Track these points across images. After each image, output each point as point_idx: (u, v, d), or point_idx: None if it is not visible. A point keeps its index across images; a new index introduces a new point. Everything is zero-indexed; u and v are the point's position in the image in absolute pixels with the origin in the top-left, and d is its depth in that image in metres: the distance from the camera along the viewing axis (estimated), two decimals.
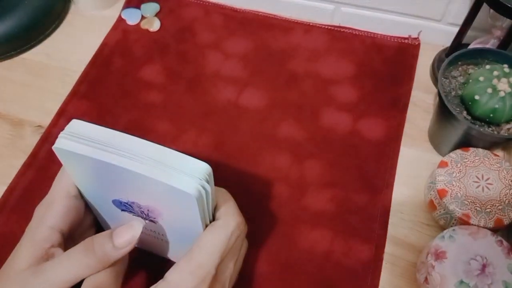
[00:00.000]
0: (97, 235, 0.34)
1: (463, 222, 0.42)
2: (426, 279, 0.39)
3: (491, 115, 0.43)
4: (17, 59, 0.63)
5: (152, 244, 0.40)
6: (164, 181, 0.29)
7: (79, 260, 0.32)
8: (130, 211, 0.35)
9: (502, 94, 0.43)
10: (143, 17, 0.66)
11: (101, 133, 0.31)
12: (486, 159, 0.45)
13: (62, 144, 0.31)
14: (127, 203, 0.34)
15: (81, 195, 0.36)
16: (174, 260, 0.42)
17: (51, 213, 0.34)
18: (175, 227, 0.35)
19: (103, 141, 0.30)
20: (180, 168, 0.30)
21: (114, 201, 0.35)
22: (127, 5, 0.67)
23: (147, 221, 0.36)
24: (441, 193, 0.43)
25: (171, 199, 0.31)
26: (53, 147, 0.31)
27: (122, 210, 0.35)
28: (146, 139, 0.31)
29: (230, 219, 0.34)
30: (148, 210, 0.34)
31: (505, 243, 0.38)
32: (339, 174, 0.50)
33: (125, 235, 0.33)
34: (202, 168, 0.30)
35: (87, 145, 0.30)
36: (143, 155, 0.30)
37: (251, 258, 0.45)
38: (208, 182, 0.31)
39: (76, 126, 0.32)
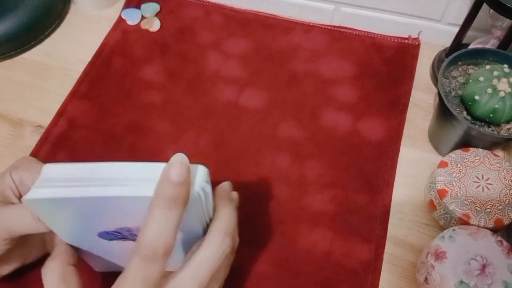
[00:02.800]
0: None
1: (463, 222, 0.42)
2: (426, 279, 0.39)
3: (491, 115, 0.43)
4: (17, 59, 0.63)
5: None
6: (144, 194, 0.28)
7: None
8: (120, 238, 0.34)
9: (502, 94, 0.43)
10: (143, 17, 0.66)
11: (77, 170, 0.30)
12: (486, 159, 0.45)
13: (34, 194, 0.29)
14: (114, 232, 0.33)
15: None
16: (172, 269, 0.41)
17: None
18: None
19: (81, 177, 0.29)
20: None
21: (100, 234, 0.34)
22: (127, 5, 0.67)
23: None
24: (441, 193, 0.43)
25: None
26: (23, 199, 0.29)
27: (111, 239, 0.34)
28: (124, 161, 0.30)
29: (219, 238, 0.32)
30: (139, 231, 0.33)
31: (505, 243, 0.38)
32: (339, 174, 0.50)
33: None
34: (200, 171, 0.30)
35: (62, 186, 0.29)
36: (127, 178, 0.29)
37: (251, 258, 0.45)
38: (208, 182, 0.30)
39: (48, 171, 0.30)
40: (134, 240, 0.34)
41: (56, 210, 0.31)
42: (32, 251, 0.41)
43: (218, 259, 0.32)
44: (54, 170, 0.30)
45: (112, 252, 0.37)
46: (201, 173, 0.30)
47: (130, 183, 0.29)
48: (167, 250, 0.28)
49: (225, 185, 0.38)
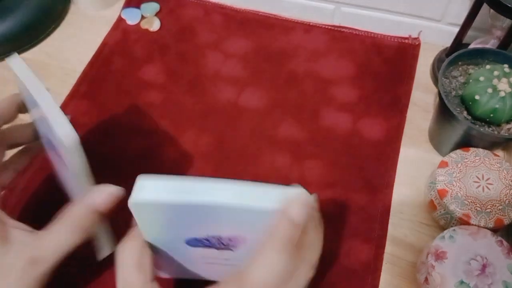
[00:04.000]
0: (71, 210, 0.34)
1: (463, 222, 0.42)
2: (426, 279, 0.39)
3: (491, 115, 0.43)
4: None
5: (212, 271, 0.39)
6: (263, 206, 0.29)
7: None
8: (206, 246, 0.34)
9: (502, 94, 0.43)
10: (143, 17, 0.66)
11: (171, 181, 0.30)
12: (487, 159, 0.45)
13: (139, 198, 0.30)
14: (204, 239, 0.33)
15: None
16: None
17: None
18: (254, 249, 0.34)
19: (178, 186, 0.30)
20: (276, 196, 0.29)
21: (188, 241, 0.34)
22: (127, 5, 0.67)
23: (222, 251, 0.35)
24: (441, 193, 0.43)
25: (262, 223, 0.30)
26: (129, 203, 0.30)
27: (195, 246, 0.34)
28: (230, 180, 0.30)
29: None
30: (229, 240, 0.33)
31: (505, 243, 0.38)
32: (339, 174, 0.50)
33: (103, 195, 0.34)
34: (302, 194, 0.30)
35: (165, 192, 0.30)
36: (227, 189, 0.29)
37: None
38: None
39: (142, 181, 0.31)
40: (217, 248, 0.34)
41: (156, 214, 0.31)
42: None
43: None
44: (148, 180, 0.31)
45: (188, 258, 0.37)
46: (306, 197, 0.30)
47: (230, 193, 0.29)
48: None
49: (311, 202, 0.33)
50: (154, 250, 0.35)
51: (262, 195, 0.29)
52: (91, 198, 0.34)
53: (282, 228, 0.28)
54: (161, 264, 0.38)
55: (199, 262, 0.38)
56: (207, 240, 0.33)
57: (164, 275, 0.41)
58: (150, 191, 0.30)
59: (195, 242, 0.34)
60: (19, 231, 0.34)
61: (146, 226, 0.33)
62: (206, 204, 0.29)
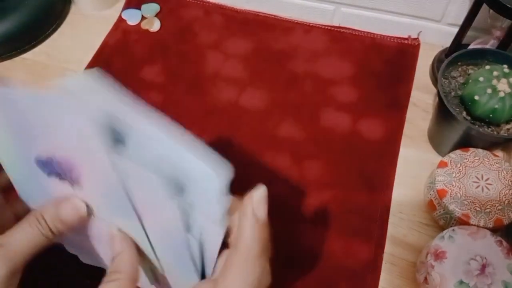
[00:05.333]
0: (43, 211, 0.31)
1: (463, 222, 0.42)
2: (425, 279, 0.39)
3: (491, 115, 0.44)
4: (17, 59, 0.63)
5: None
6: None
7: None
8: (55, 173, 0.30)
9: (501, 94, 0.43)
10: (143, 18, 0.66)
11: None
12: (486, 159, 0.45)
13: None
14: (47, 161, 0.29)
15: None
16: None
17: None
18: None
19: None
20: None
21: (37, 162, 0.30)
22: (127, 6, 0.67)
23: (74, 187, 0.30)
24: (441, 193, 0.43)
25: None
26: None
27: (46, 173, 0.30)
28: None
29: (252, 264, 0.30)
30: (63, 164, 0.29)
31: (504, 243, 0.38)
32: (339, 174, 0.50)
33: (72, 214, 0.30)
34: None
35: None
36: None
37: None
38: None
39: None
40: (70, 182, 0.30)
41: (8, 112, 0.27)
42: None
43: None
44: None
45: (47, 191, 0.32)
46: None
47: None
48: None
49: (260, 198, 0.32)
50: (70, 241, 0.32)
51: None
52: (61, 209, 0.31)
53: (258, 234, 0.28)
54: (80, 254, 0.36)
55: (106, 251, 0.33)
56: (50, 163, 0.29)
57: (84, 261, 0.37)
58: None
59: (42, 165, 0.30)
60: None
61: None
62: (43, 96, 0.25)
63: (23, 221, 0.31)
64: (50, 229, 0.31)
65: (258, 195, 0.29)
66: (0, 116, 0.28)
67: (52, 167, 0.29)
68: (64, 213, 0.30)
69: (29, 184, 0.32)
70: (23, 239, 0.30)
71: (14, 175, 0.32)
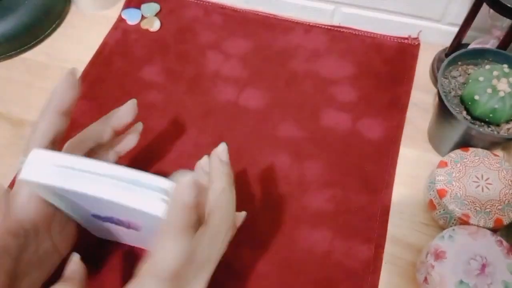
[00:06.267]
0: None
1: (463, 222, 0.42)
2: (425, 279, 0.39)
3: (491, 115, 0.44)
4: (17, 59, 0.63)
5: (133, 237, 0.40)
6: (130, 204, 0.29)
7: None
8: (113, 222, 0.35)
9: (501, 94, 0.43)
10: (143, 17, 0.66)
11: (63, 160, 0.31)
12: (486, 159, 0.45)
13: (26, 175, 0.30)
14: (106, 217, 0.34)
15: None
16: None
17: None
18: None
19: (73, 166, 0.30)
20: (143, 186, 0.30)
21: (93, 214, 0.34)
22: (127, 5, 0.67)
23: (130, 230, 0.36)
24: (441, 193, 0.43)
25: (141, 217, 0.31)
26: (18, 179, 0.30)
27: (104, 221, 0.35)
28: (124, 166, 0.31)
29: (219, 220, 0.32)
30: (129, 223, 0.34)
31: (504, 243, 0.38)
32: (339, 174, 0.50)
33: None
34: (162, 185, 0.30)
35: (51, 173, 0.30)
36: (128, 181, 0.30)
37: (251, 258, 0.45)
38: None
39: (38, 155, 0.31)
40: (125, 227, 0.35)
41: (47, 192, 0.32)
42: (47, 261, 0.39)
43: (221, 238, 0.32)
44: (45, 154, 0.31)
45: (105, 228, 0.37)
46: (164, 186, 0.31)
47: (117, 187, 0.29)
48: (180, 273, 0.29)
49: (221, 154, 0.36)
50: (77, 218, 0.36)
51: (144, 195, 0.30)
52: None
53: (174, 215, 0.29)
54: (91, 228, 0.39)
55: (119, 233, 0.38)
56: (111, 218, 0.34)
57: (98, 235, 0.42)
58: (39, 169, 0.30)
59: (100, 218, 0.35)
60: None
61: (49, 197, 0.33)
62: (88, 194, 0.29)
63: None
64: None
65: (182, 182, 0.31)
66: (56, 198, 0.33)
67: (110, 219, 0.34)
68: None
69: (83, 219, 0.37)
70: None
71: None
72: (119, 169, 0.30)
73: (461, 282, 0.37)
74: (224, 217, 0.33)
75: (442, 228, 0.43)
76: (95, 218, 0.35)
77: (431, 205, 0.45)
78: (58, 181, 0.30)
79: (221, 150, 0.35)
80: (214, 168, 0.34)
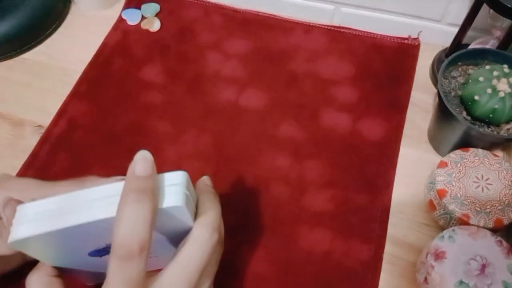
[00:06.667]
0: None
1: (463, 222, 0.42)
2: (425, 279, 0.39)
3: (491, 115, 0.44)
4: (17, 59, 0.63)
5: None
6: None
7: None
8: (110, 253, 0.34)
9: (501, 94, 0.43)
10: (143, 17, 0.66)
11: (51, 203, 0.29)
12: (486, 160, 0.45)
13: (16, 235, 0.28)
14: (106, 248, 0.33)
15: None
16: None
17: None
18: (164, 241, 0.34)
19: (57, 208, 0.29)
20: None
21: (91, 253, 0.33)
22: (127, 6, 0.67)
23: None
24: (441, 193, 0.43)
25: (159, 220, 0.30)
26: (8, 243, 0.29)
27: (101, 256, 0.34)
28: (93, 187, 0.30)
29: (206, 232, 0.31)
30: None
31: (504, 243, 0.38)
32: (339, 174, 0.50)
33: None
34: (181, 175, 0.30)
35: (42, 220, 0.29)
36: (102, 198, 0.29)
37: (251, 258, 0.45)
38: (188, 187, 0.30)
39: (23, 210, 0.30)
40: None
41: (42, 244, 0.30)
42: (12, 259, 0.39)
43: (207, 253, 0.30)
44: (29, 207, 0.29)
45: (104, 265, 0.36)
46: (183, 177, 0.30)
47: (107, 204, 0.28)
48: (143, 246, 0.27)
49: (206, 180, 0.36)
50: (65, 269, 0.34)
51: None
52: None
53: (130, 184, 0.28)
54: (84, 276, 0.38)
55: None
56: (109, 247, 0.32)
57: (91, 283, 0.40)
58: (26, 225, 0.28)
59: (98, 253, 0.33)
60: None
61: (42, 255, 0.32)
62: (87, 222, 0.28)
63: None
64: None
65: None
66: (54, 244, 0.31)
67: (109, 250, 0.32)
68: None
69: (70, 263, 0.35)
70: None
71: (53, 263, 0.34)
72: (100, 189, 0.29)
73: (461, 282, 0.37)
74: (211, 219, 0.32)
75: (442, 228, 0.43)
76: (93, 256, 0.34)
77: (431, 206, 0.45)
78: (51, 225, 0.28)
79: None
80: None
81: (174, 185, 0.29)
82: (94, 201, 0.29)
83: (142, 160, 0.29)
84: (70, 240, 0.30)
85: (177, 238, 0.34)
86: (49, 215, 0.29)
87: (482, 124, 0.45)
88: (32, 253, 0.31)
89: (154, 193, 0.28)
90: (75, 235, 0.30)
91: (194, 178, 0.50)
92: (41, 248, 0.31)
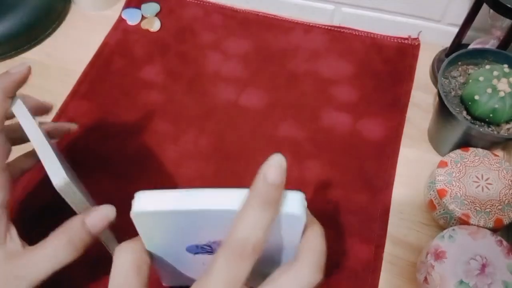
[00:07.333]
0: (68, 225, 0.35)
1: (463, 222, 0.42)
2: (425, 279, 0.39)
3: (491, 115, 0.44)
4: (17, 59, 0.63)
5: None
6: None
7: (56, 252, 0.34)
8: (207, 252, 0.34)
9: (501, 94, 0.43)
10: (143, 17, 0.66)
11: (170, 193, 0.30)
12: (486, 159, 0.45)
13: (140, 208, 0.29)
14: (205, 246, 0.33)
15: None
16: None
17: None
18: (264, 253, 0.33)
19: (181, 195, 0.29)
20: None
21: (188, 248, 0.34)
22: (127, 5, 0.67)
23: None
24: (441, 193, 0.43)
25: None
26: (132, 213, 0.29)
27: (196, 253, 0.34)
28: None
29: (309, 271, 0.31)
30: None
31: (505, 243, 0.38)
32: (339, 174, 0.50)
33: (98, 217, 0.34)
34: (297, 192, 0.30)
35: (165, 201, 0.29)
36: (230, 195, 0.29)
37: None
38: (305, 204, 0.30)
39: (142, 193, 0.30)
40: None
41: (157, 224, 0.31)
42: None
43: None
44: (154, 193, 0.30)
45: (189, 266, 0.36)
46: (302, 194, 0.30)
47: (230, 200, 0.29)
48: (256, 250, 0.26)
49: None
50: (156, 260, 0.34)
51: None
52: (88, 219, 0.35)
53: (260, 188, 0.27)
54: (163, 274, 0.38)
55: (200, 270, 0.37)
56: (208, 246, 0.33)
57: (166, 283, 0.41)
58: (151, 201, 0.29)
59: (195, 249, 0.34)
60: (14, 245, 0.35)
61: (148, 236, 0.32)
62: (209, 209, 0.29)
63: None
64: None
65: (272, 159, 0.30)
66: (166, 227, 0.31)
67: (207, 248, 0.33)
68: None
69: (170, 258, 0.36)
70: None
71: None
72: (223, 190, 0.29)
73: (461, 282, 0.37)
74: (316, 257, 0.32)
75: (442, 228, 0.43)
76: (188, 252, 0.34)
77: (431, 205, 0.45)
78: (177, 205, 0.29)
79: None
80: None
81: (294, 195, 0.29)
82: (217, 196, 0.29)
83: (277, 167, 0.28)
84: (183, 227, 0.31)
85: (272, 251, 0.33)
86: (174, 199, 0.29)
87: (482, 123, 0.45)
88: (143, 229, 0.31)
89: (279, 203, 0.28)
90: (191, 222, 0.30)
91: (194, 178, 0.51)
92: (152, 229, 0.31)
